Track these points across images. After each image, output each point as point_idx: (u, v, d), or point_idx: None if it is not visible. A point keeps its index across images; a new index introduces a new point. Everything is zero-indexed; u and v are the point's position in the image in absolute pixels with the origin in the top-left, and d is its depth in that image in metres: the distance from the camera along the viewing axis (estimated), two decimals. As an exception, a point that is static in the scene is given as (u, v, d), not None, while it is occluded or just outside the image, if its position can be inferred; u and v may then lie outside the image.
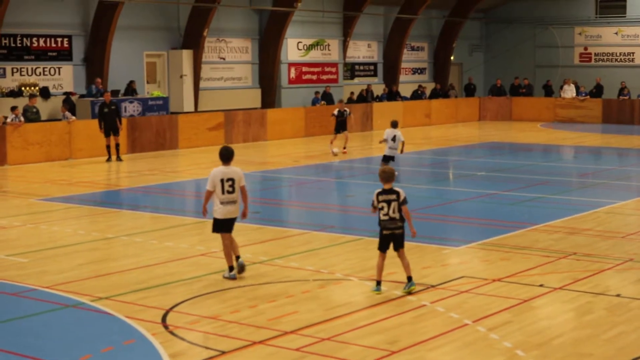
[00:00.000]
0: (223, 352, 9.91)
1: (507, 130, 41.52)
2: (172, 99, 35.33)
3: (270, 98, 39.74)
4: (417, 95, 45.77)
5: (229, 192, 13.04)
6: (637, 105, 43.83)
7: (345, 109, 31.86)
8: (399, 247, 12.38)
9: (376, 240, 16.03)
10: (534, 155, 30.88)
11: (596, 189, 23.18)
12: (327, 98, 40.41)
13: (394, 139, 23.31)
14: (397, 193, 12.25)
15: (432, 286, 12.76)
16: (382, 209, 12.25)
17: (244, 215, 13.24)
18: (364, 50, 45.27)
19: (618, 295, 12.32)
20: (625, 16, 48.21)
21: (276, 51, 39.53)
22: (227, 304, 11.87)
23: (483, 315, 11.27)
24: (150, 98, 34.06)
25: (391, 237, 12.34)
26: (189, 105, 36.15)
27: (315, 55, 41.90)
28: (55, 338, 10.57)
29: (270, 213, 19.65)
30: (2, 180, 25.01)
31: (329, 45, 42.42)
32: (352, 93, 42.87)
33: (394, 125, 23.73)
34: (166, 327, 10.84)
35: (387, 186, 12.31)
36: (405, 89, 46.01)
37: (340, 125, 31.18)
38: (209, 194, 13.16)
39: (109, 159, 28.72)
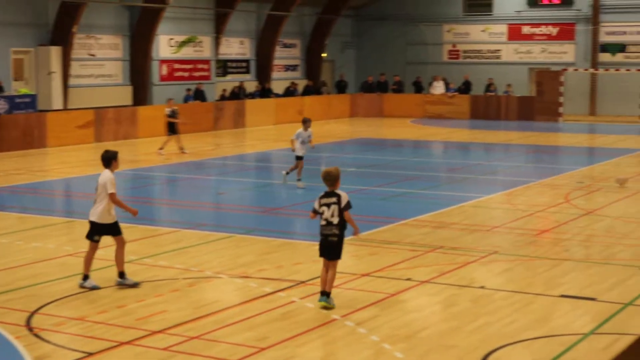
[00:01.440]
0: (90, 354, 9.77)
1: (378, 126, 42.06)
2: (40, 96, 34.56)
3: (141, 95, 39.27)
4: (289, 92, 45.92)
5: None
6: (503, 101, 44.97)
7: (175, 107, 30.77)
8: (332, 257, 11.50)
9: (248, 237, 16.16)
10: (404, 151, 31.40)
11: (464, 183, 23.69)
12: (200, 95, 40.20)
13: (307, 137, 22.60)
14: (339, 196, 11.47)
15: (302, 282, 12.84)
16: (322, 213, 11.46)
17: None
18: (236, 47, 45.16)
19: (482, 287, 12.63)
20: (492, 14, 49.37)
21: (147, 48, 39.09)
22: (95, 304, 11.71)
23: (351, 310, 11.40)
24: (17, 95, 33.22)
25: (325, 243, 11.50)
26: (57, 103, 35.44)
27: (187, 52, 41.62)
28: None
29: (141, 212, 19.39)
30: None
31: (201, 42, 42.19)
32: (224, 90, 42.74)
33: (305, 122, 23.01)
34: (30, 329, 10.63)
35: (330, 189, 11.55)
36: (278, 86, 46.11)
37: (173, 126, 30.01)
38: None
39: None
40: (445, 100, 45.95)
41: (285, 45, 48.11)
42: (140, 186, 23.65)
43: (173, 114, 30.02)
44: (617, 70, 44.89)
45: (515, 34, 48.97)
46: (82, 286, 12.45)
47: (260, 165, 28.76)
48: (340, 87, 49.10)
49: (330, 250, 11.47)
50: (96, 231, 12.65)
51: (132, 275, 13.05)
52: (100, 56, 38.27)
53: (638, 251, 15.13)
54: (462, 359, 9.76)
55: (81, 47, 37.07)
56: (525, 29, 48.73)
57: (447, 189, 22.84)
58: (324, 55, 49.98)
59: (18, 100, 32.84)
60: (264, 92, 44.32)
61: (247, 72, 45.87)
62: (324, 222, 11.46)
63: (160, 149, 29.59)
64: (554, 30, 48.18)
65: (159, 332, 10.53)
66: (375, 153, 31.28)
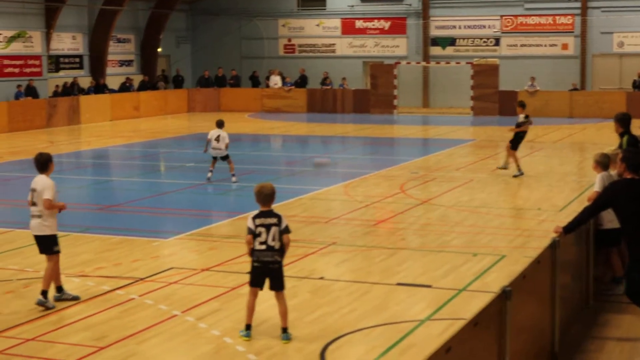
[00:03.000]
0: None
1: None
2: None
3: (-33, 92, 38.00)
4: (125, 87, 45.26)
5: (34, 204, 11.69)
6: (339, 94, 45.54)
7: None
8: (277, 287, 10.25)
9: (85, 235, 15.85)
10: (242, 145, 31.34)
11: (302, 176, 23.90)
12: (31, 92, 39.14)
13: (217, 138, 22.16)
14: (279, 217, 10.17)
15: (141, 279, 12.71)
16: (259, 235, 10.05)
17: None
18: (68, 42, 44.17)
19: (322, 278, 12.79)
20: (325, 9, 49.93)
21: (-26, 43, 37.85)
22: None
23: (192, 305, 11.37)
24: None
25: (264, 271, 10.18)
26: None
27: (17, 48, 40.44)
28: None
29: (-29, 212, 18.84)
30: None
31: (31, 37, 41.07)
32: (57, 86, 41.74)
33: (219, 125, 22.57)
34: None
35: (265, 207, 10.20)
36: (113, 82, 45.35)
37: None
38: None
39: None
40: (282, 94, 46.21)
41: (119, 40, 47.37)
42: (-30, 186, 22.90)
43: None
44: (447, 63, 46.15)
45: (349, 28, 49.65)
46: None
47: (97, 162, 28.26)
48: (177, 82, 48.71)
49: (273, 279, 10.22)
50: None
51: (-37, 278, 12.67)
52: None
53: (470, 238, 15.62)
54: (302, 349, 9.86)
55: None
56: (359, 24, 49.48)
57: (285, 182, 22.95)
58: (159, 50, 49.47)
59: None
60: (99, 87, 43.52)
61: (81, 67, 44.93)
62: (262, 247, 10.06)
63: None
64: (386, 25, 49.08)
65: (-7, 335, 10.24)
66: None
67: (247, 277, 12.66)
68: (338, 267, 13.63)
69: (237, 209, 18.40)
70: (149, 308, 11.31)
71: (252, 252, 10.14)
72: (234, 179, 21.72)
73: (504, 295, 7.65)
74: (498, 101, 41.98)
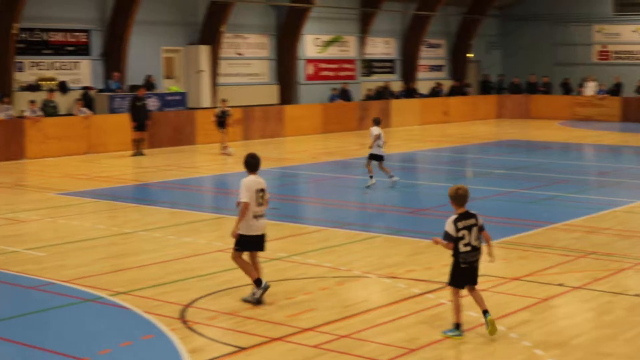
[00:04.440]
0: (242, 348, 9.89)
1: (525, 128, 41.39)
2: (189, 94, 35.36)
3: (288, 94, 39.73)
4: (434, 92, 45.68)
5: (260, 205, 11.76)
6: (656, 103, 43.63)
7: (227, 109, 30.17)
8: (475, 282, 10.49)
9: (395, 238, 16.09)
10: (552, 154, 30.74)
11: (615, 187, 23.05)
12: (345, 95, 40.38)
13: (379, 137, 22.45)
14: (475, 216, 10.37)
15: (451, 284, 12.68)
16: (462, 237, 10.21)
17: None
18: (381, 46, 45.19)
19: (638, 295, 12.25)
20: (644, 14, 48.00)
21: (294, 47, 39.50)
22: (246, 300, 11.86)
23: (502, 314, 11.22)
24: (168, 93, 34.10)
25: (471, 271, 10.41)
26: (206, 101, 36.16)
27: (333, 52, 41.85)
28: (74, 332, 10.58)
29: (288, 209, 19.64)
30: (21, 174, 25.10)
31: (346, 41, 42.36)
32: (369, 90, 42.82)
33: (377, 122, 22.86)
34: (184, 322, 10.84)
35: (461, 209, 10.33)
36: (423, 86, 45.93)
37: (222, 124, 29.89)
38: (247, 206, 11.58)
39: (135, 154, 28.91)
40: (594, 102, 44.86)
41: (431, 45, 47.87)
42: (286, 184, 23.89)
43: (222, 115, 29.77)
44: None
45: (669, 34, 47.49)
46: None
47: (405, 166, 28.62)
48: (486, 88, 48.55)
49: (475, 276, 10.44)
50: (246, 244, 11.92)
51: (280, 273, 13.21)
52: (247, 55, 38.86)
53: None
54: (618, 368, 9.48)
55: (229, 46, 37.73)
56: (680, 30, 47.21)
57: (597, 193, 22.25)
58: (469, 55, 49.50)
59: (169, 98, 33.69)
60: (409, 92, 44.20)
61: (392, 72, 45.84)
62: (467, 248, 10.23)
63: (224, 147, 29.44)
64: None
65: (309, 329, 10.58)
66: (521, 155, 30.75)
67: (559, 289, 12.43)
68: (656, 285, 13.00)
69: (548, 218, 17.99)
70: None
71: (457, 254, 10.26)
72: (394, 178, 21.89)
73: None
74: None
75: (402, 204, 20.74)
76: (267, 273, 13.23)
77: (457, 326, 10.36)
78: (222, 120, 29.67)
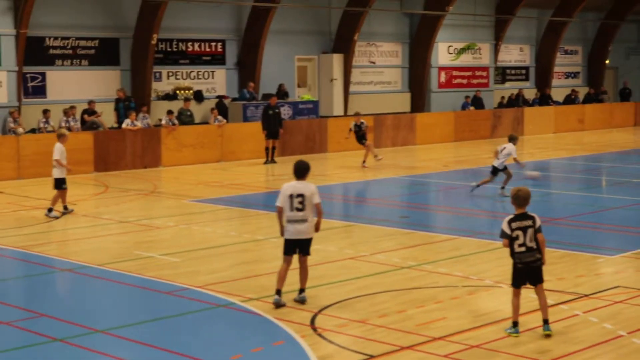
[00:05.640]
0: (371, 356, 9.89)
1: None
2: (321, 102, 35.61)
3: (419, 102, 39.60)
4: (569, 99, 44.83)
5: (298, 210, 11.99)
6: None
7: (362, 121, 29.06)
8: (537, 281, 10.67)
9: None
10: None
11: None
12: (477, 102, 40.00)
13: (503, 149, 22.12)
14: (533, 218, 10.63)
15: (586, 295, 12.43)
16: (516, 238, 10.55)
17: (316, 229, 12.28)
18: (515, 54, 44.61)
19: None
20: None
21: (426, 55, 39.35)
22: (375, 308, 11.85)
23: (639, 327, 10.90)
24: (301, 102, 34.43)
25: (528, 271, 10.60)
26: (338, 109, 36.37)
27: (466, 59, 41.51)
28: (207, 337, 10.76)
29: (419, 218, 19.57)
30: (157, 181, 25.70)
31: (480, 48, 41.96)
32: (502, 97, 42.32)
33: (510, 139, 22.47)
34: (315, 329, 10.90)
35: (520, 210, 10.69)
36: (557, 94, 45.12)
37: (361, 138, 28.87)
38: (280, 210, 12.13)
39: (267, 161, 29.30)
40: None
41: (567, 52, 47.01)
42: (417, 192, 23.79)
43: (359, 129, 28.86)
44: None
45: None
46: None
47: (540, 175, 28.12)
48: (624, 95, 47.36)
49: (536, 276, 10.61)
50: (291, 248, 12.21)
51: (411, 281, 13.16)
52: (380, 63, 38.91)
53: None
54: None
55: (362, 54, 37.86)
56: None
57: None
58: (607, 62, 48.39)
59: (301, 106, 34.02)
60: (543, 99, 43.49)
61: (526, 79, 45.20)
62: (522, 249, 10.50)
63: (364, 162, 28.22)
64: None
65: (439, 338, 10.50)
66: (661, 164, 29.88)
67: (699, 303, 12.00)
68: None
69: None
70: (594, 326, 11.01)
71: (513, 254, 10.57)
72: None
73: None
74: None
75: (536, 213, 20.34)
76: (396, 281, 13.22)
77: (514, 324, 10.64)
78: (360, 134, 28.97)
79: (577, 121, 42.63)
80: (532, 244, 10.53)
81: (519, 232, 10.52)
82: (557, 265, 14.35)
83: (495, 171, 21.85)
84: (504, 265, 14.36)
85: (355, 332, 10.79)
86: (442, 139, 36.61)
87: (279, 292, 11.97)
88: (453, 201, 22.33)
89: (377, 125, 34.37)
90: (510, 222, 10.57)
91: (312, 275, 13.72)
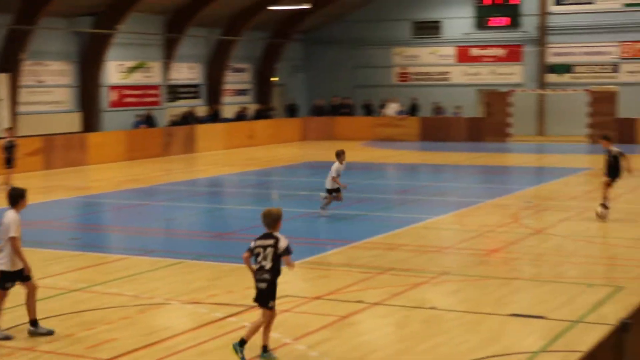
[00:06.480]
0: (38, 383, 9.66)
1: (329, 149, 41.69)
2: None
3: (91, 121, 38.98)
4: (239, 116, 45.92)
5: None
6: (452, 122, 45.35)
7: (13, 139, 27.73)
8: (261, 303, 10.55)
9: (199, 263, 16.10)
10: (355, 174, 31.36)
11: (414, 205, 23.81)
12: (149, 121, 40.04)
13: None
14: (277, 240, 10.53)
15: (253, 306, 12.75)
16: (257, 255, 10.54)
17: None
18: (186, 72, 45.05)
19: (433, 308, 12.68)
20: (440, 37, 49.77)
21: (97, 74, 38.84)
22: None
23: (303, 333, 11.39)
24: (-36, 124, 32.91)
25: (256, 289, 10.55)
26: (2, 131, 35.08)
27: (137, 78, 41.40)
28: None
29: (90, 239, 19.32)
30: None
31: (150, 67, 42.02)
32: (174, 115, 42.60)
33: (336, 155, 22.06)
34: (-22, 360, 10.49)
35: (268, 230, 10.68)
36: (229, 111, 46.07)
37: (10, 160, 27.10)
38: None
39: None
40: (395, 122, 46.23)
41: (236, 70, 48.11)
42: (89, 213, 23.48)
43: (10, 145, 27.19)
44: (563, 90, 45.51)
45: (463, 56, 49.40)
46: None
47: (211, 190, 28.67)
48: (291, 111, 49.18)
49: (260, 296, 10.52)
50: (7, 279, 11.43)
51: (80, 304, 12.95)
52: (49, 83, 37.98)
53: (586, 269, 15.30)
54: (413, 380, 9.78)
55: (30, 73, 36.76)
56: (474, 51, 49.19)
57: (397, 211, 22.94)
58: (274, 79, 50.05)
59: (-35, 128, 32.50)
60: (214, 116, 44.26)
61: (198, 97, 45.77)
62: (256, 266, 10.52)
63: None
64: (502, 52, 48.69)
65: (110, 359, 10.43)
66: (324, 176, 31.15)
67: (358, 306, 12.74)
68: (450, 297, 13.49)
69: (349, 237, 18.40)
70: (260, 335, 11.34)
71: (254, 272, 10.56)
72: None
73: (622, 328, 7.44)
74: (616, 129, 40.85)
75: (206, 228, 20.75)
76: (65, 305, 12.98)
77: (265, 349, 10.59)
78: (9, 157, 26.94)
79: (248, 137, 43.74)
80: (266, 264, 10.42)
81: (260, 250, 10.50)
82: (226, 278, 14.69)
83: (330, 191, 21.64)
84: (175, 282, 14.56)
85: (22, 360, 10.49)
86: (114, 158, 36.29)
87: None
88: (125, 220, 22.22)
89: (47, 146, 33.54)
90: (257, 239, 10.65)
91: None
